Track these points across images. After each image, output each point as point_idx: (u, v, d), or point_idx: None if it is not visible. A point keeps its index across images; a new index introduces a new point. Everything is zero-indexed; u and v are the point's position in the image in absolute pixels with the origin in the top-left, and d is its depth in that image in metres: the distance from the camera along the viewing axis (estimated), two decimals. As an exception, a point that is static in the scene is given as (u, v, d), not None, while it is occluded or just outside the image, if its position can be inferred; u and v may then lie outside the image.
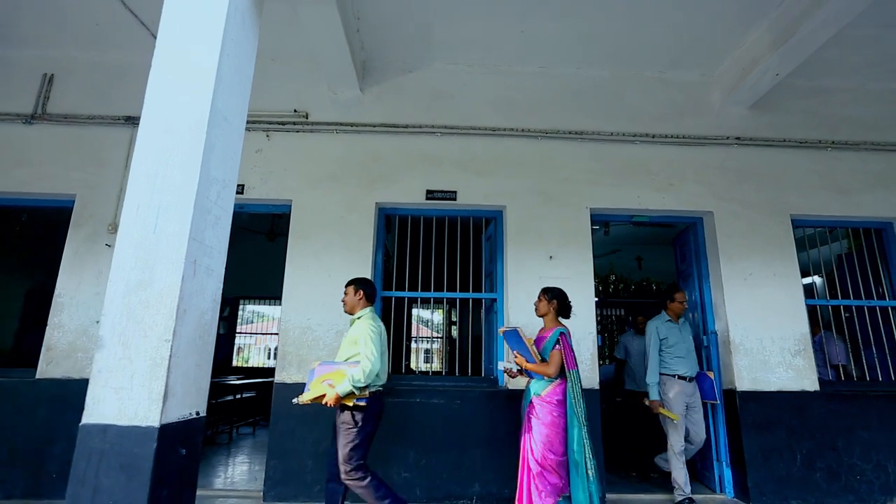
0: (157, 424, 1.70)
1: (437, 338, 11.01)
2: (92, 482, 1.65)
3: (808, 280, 6.21)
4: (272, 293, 8.80)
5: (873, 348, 4.58)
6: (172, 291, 1.81)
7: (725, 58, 4.60)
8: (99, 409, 1.71)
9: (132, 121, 4.54)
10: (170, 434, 1.75)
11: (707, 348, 4.51)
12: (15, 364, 6.24)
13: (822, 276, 6.19)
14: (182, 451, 1.82)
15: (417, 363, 14.39)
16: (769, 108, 4.79)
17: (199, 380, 1.96)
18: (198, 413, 1.95)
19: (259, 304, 10.53)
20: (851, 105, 4.89)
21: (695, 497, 4.23)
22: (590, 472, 3.11)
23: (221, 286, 2.13)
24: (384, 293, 4.52)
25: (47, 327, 4.17)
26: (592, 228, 4.61)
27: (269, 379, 7.48)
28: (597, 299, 8.40)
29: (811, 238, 4.91)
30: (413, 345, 10.86)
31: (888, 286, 4.73)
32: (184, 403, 1.84)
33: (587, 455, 3.14)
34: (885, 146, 4.76)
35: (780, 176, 4.69)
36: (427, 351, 14.99)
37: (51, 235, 7.95)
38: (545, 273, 4.33)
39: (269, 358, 13.55)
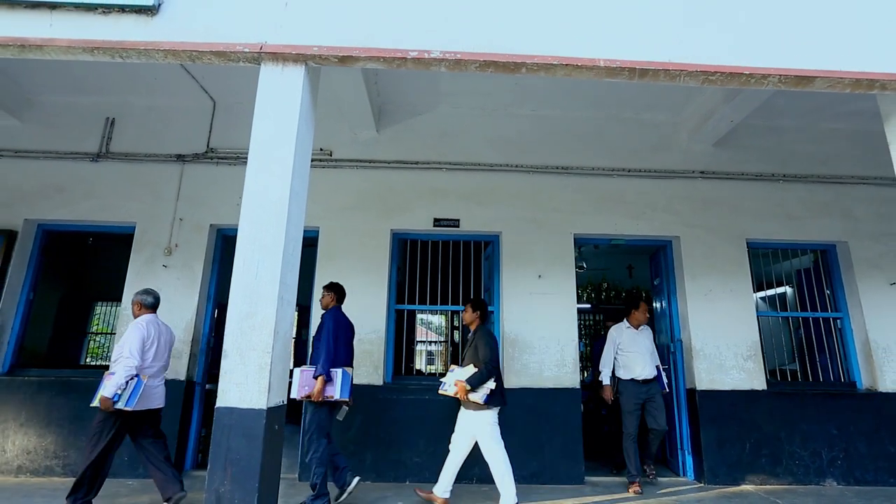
0: (264, 407, 2.70)
1: (441, 341, 12.07)
2: (225, 445, 2.65)
3: (777, 291, 7.21)
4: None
5: (816, 353, 5.58)
6: (270, 319, 2.81)
7: (689, 104, 5.60)
8: (227, 398, 2.72)
9: (182, 158, 5.56)
10: (271, 415, 2.75)
11: (673, 353, 5.52)
12: (51, 364, 7.29)
13: (792, 287, 7.16)
14: (276, 427, 2.82)
15: (422, 363, 15.53)
16: (729, 145, 5.81)
17: (284, 379, 2.97)
18: (283, 401, 2.95)
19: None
20: (801, 143, 5.92)
21: (661, 480, 5.25)
22: None
23: (295, 312, 3.13)
24: (397, 306, 5.54)
25: (115, 335, 5.18)
26: (583, 246, 5.56)
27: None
28: (590, 305, 9.44)
29: (785, 253, 5.88)
30: (418, 347, 11.94)
31: (831, 299, 5.73)
32: (276, 394, 2.85)
33: None
34: (829, 178, 5.78)
35: (738, 205, 5.70)
36: (430, 352, 16.12)
37: (78, 251, 9.01)
38: (535, 289, 5.34)
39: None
